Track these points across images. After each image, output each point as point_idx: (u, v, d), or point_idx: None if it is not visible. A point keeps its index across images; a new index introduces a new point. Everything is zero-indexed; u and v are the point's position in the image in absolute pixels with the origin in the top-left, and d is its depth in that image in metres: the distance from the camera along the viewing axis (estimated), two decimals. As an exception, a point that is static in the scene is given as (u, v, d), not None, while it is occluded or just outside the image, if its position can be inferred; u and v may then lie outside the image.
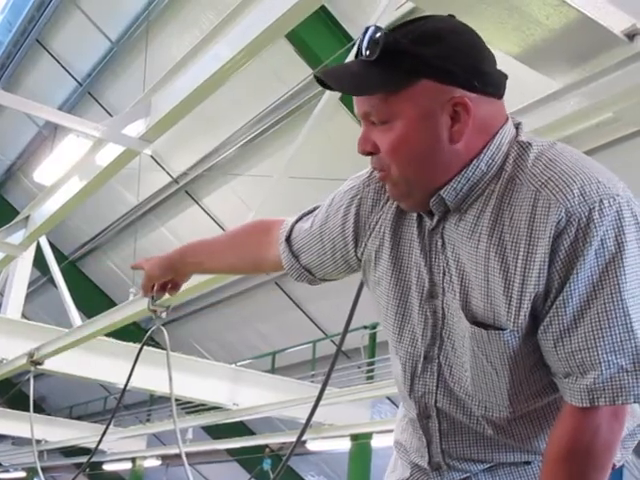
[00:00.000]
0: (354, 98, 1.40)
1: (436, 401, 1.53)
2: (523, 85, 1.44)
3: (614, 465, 1.43)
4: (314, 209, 1.75)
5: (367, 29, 1.35)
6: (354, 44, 1.40)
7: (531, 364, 1.41)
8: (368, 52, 1.34)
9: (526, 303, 1.32)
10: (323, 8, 7.19)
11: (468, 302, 1.39)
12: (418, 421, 1.58)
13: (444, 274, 1.44)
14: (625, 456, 1.62)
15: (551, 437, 1.40)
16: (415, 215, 1.49)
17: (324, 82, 1.38)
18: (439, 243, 1.44)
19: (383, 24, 2.68)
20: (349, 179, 1.66)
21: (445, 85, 1.32)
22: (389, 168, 1.39)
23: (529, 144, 1.38)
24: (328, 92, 3.17)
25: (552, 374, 1.39)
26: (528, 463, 1.56)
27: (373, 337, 9.23)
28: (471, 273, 1.38)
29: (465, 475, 1.59)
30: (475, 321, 1.39)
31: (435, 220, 1.44)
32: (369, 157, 1.43)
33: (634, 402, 1.31)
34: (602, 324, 1.28)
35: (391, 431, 1.85)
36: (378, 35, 1.33)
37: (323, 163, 8.25)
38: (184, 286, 2.15)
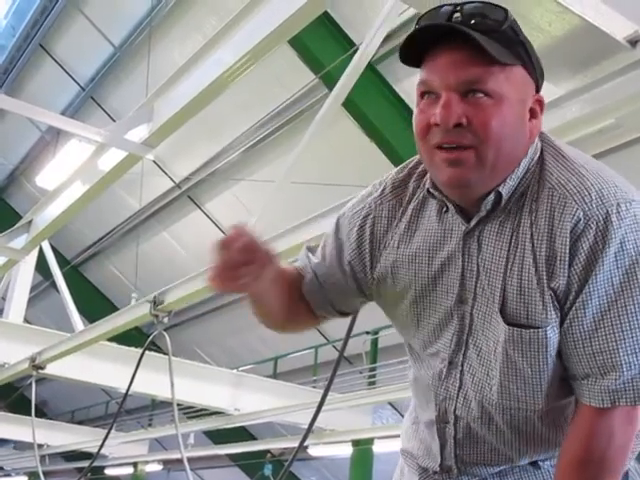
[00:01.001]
0: (446, 61, 1.33)
1: (455, 408, 1.52)
2: (525, 91, 1.46)
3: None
4: (315, 247, 1.69)
5: (469, 2, 1.33)
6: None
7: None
8: (479, 21, 1.31)
9: (554, 297, 1.34)
10: (326, 14, 7.18)
11: (504, 305, 1.39)
12: (435, 424, 1.57)
13: (477, 278, 1.43)
14: (630, 460, 1.61)
15: (565, 441, 1.41)
16: (434, 222, 1.48)
17: (408, 52, 1.36)
18: (473, 247, 1.43)
19: (386, 30, 2.69)
20: (352, 202, 1.62)
21: (532, 79, 1.38)
22: (479, 144, 1.32)
23: (547, 146, 1.42)
24: (330, 97, 3.14)
25: (570, 377, 1.40)
26: (538, 467, 1.57)
27: (375, 343, 9.22)
28: (507, 274, 1.38)
29: (475, 479, 1.58)
30: (510, 323, 1.39)
31: (473, 223, 1.42)
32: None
33: None
34: (623, 326, 1.30)
35: (392, 437, 1.85)
36: (490, 9, 1.33)
37: (325, 169, 8.24)
38: (185, 290, 2.14)
